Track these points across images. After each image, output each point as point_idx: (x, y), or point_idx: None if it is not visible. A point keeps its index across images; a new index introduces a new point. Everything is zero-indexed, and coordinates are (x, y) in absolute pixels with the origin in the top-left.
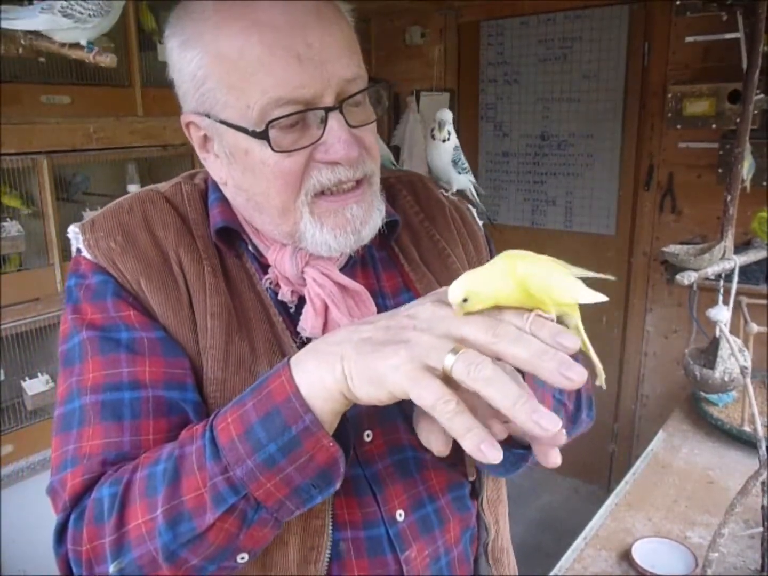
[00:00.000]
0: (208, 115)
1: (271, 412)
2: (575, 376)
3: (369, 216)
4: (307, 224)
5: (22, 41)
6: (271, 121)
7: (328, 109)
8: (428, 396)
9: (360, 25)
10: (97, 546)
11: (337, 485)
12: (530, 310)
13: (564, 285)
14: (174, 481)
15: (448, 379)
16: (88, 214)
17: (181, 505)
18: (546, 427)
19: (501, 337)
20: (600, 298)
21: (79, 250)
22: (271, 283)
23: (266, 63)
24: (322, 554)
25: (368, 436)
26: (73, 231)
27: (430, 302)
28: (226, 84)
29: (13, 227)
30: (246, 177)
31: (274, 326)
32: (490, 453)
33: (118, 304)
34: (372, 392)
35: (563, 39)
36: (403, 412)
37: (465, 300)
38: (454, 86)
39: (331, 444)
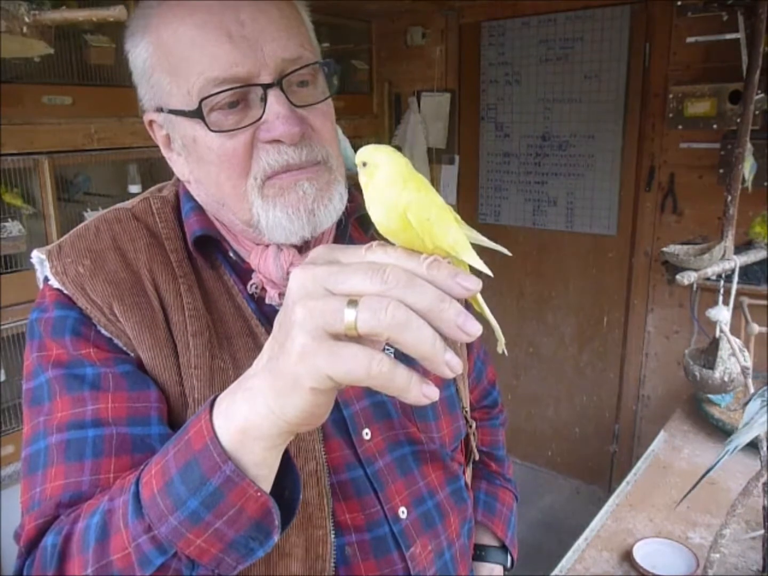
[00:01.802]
0: (161, 109)
1: (189, 463)
2: (472, 330)
3: (324, 196)
4: (258, 209)
5: (26, 18)
6: (203, 99)
7: (266, 86)
8: (357, 365)
9: (361, 26)
10: None
11: (276, 538)
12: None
13: (447, 229)
14: (103, 538)
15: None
16: (90, 215)
17: (111, 565)
18: (455, 370)
19: (392, 283)
20: (483, 267)
21: (46, 279)
22: (257, 288)
23: (199, 43)
24: (327, 562)
25: (367, 434)
26: (37, 257)
27: (296, 271)
28: (168, 71)
29: (14, 227)
30: (200, 168)
31: (257, 338)
32: (432, 393)
33: (77, 342)
34: (298, 404)
35: (564, 39)
36: (398, 407)
37: (364, 164)
38: (455, 87)
39: (259, 494)
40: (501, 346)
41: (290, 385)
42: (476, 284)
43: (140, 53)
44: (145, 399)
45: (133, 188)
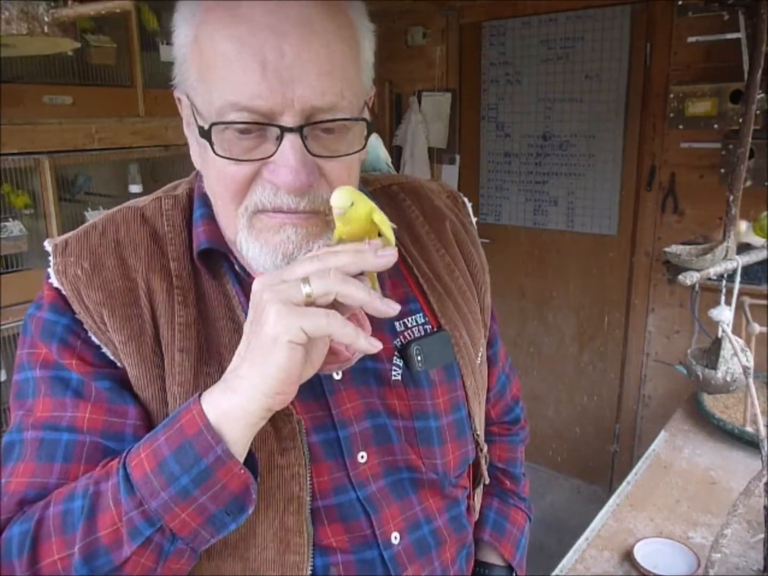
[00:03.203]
0: (187, 96)
1: (183, 445)
2: (388, 253)
3: (307, 244)
4: (243, 238)
5: (46, 18)
6: (214, 124)
7: (284, 129)
8: (319, 319)
9: None
10: None
11: (250, 511)
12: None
13: (385, 220)
14: (90, 517)
15: None
16: (90, 214)
17: (98, 541)
18: (390, 313)
19: (325, 260)
20: (391, 235)
21: (48, 275)
22: None
23: (230, 62)
24: None
25: (362, 457)
26: (47, 249)
27: (256, 280)
28: (197, 71)
29: (15, 227)
30: (205, 169)
31: None
32: (377, 343)
33: (63, 351)
34: (278, 361)
35: (565, 39)
36: (400, 431)
37: (351, 204)
38: (456, 86)
39: (242, 471)
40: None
41: (270, 346)
42: (391, 251)
43: (179, 35)
44: (122, 415)
45: (134, 188)
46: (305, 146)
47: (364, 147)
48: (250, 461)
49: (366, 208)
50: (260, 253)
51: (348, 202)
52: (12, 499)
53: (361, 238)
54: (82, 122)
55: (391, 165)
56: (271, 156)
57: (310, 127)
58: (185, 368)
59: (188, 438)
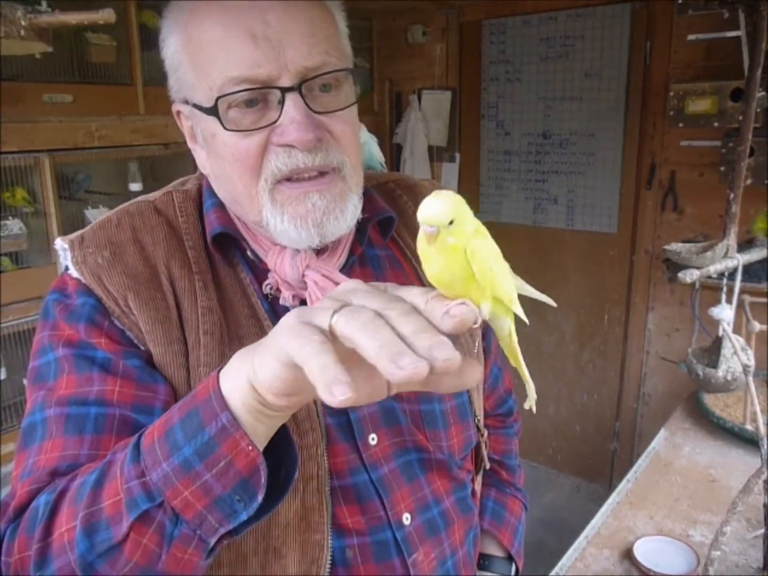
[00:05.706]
0: (187, 102)
1: (191, 412)
2: (444, 354)
3: (335, 209)
4: (268, 213)
5: (23, 22)
6: (219, 97)
7: (284, 90)
8: (297, 342)
9: (362, 24)
10: (26, 557)
11: (260, 498)
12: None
13: (506, 279)
14: (98, 487)
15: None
16: (90, 213)
17: (100, 512)
18: (411, 368)
19: (393, 305)
20: (524, 317)
21: (67, 268)
22: (272, 289)
23: (223, 42)
24: (323, 567)
25: (373, 439)
26: (61, 246)
27: (353, 280)
28: (193, 66)
29: (15, 225)
30: (217, 162)
31: None
32: (338, 390)
33: (90, 330)
34: (268, 369)
35: (565, 37)
36: (407, 413)
37: (451, 222)
38: (456, 85)
39: (250, 448)
40: (530, 402)
41: (265, 350)
42: (470, 313)
43: (170, 45)
44: (152, 391)
45: (134, 186)
46: (306, 104)
47: (356, 101)
48: (290, 452)
49: (480, 236)
50: (289, 226)
51: (447, 216)
52: (44, 472)
53: (463, 294)
54: (82, 120)
55: (384, 164)
56: (276, 121)
57: (307, 85)
58: (210, 350)
59: (197, 404)
